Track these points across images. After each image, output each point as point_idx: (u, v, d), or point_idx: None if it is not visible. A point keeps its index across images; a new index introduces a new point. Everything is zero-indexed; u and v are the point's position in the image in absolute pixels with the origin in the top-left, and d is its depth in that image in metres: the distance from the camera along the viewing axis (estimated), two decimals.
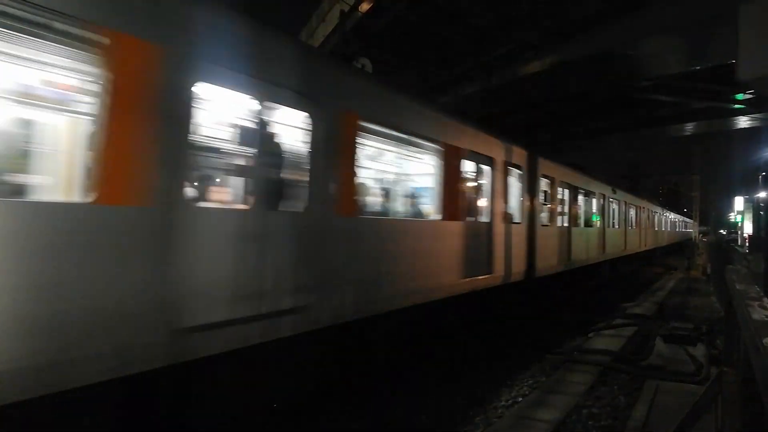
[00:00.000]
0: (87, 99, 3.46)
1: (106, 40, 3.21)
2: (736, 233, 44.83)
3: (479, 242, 8.38)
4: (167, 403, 3.99)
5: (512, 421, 5.20)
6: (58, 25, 3.05)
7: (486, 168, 8.74)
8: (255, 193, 4.37)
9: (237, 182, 4.66)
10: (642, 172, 57.01)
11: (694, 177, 48.76)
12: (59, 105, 3.66)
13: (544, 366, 7.57)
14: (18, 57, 3.33)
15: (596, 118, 29.15)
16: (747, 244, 32.13)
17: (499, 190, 9.12)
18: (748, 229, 37.84)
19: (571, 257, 13.21)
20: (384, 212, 7.01)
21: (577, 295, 14.39)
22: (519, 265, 10.07)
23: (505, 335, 9.38)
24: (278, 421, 5.04)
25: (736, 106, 23.53)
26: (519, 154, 10.09)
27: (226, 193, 4.63)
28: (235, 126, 4.64)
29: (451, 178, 7.40)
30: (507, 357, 8.06)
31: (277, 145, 4.78)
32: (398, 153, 7.46)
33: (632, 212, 22.94)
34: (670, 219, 42.96)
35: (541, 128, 30.18)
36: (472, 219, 8.29)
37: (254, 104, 4.40)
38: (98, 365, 3.19)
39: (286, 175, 4.83)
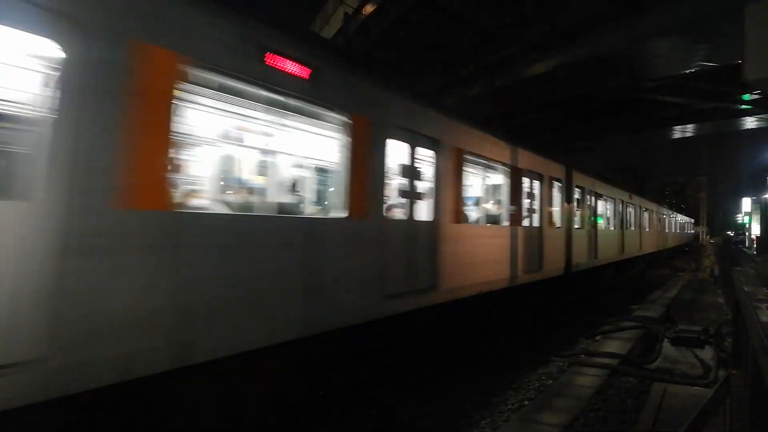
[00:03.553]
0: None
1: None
2: (744, 235, 44.48)
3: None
4: (164, 405, 4.00)
5: (519, 424, 5.18)
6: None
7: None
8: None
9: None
10: (648, 173, 56.78)
11: (701, 178, 48.54)
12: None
13: (551, 369, 7.53)
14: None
15: (601, 119, 29.09)
16: (755, 246, 31.87)
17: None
18: (755, 230, 37.55)
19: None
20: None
21: (582, 298, 14.33)
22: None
23: (512, 337, 9.35)
24: (283, 422, 5.05)
25: (743, 106, 23.41)
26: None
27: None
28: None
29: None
30: (513, 359, 8.03)
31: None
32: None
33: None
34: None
35: (546, 129, 30.14)
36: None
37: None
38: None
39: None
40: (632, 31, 16.03)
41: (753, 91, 20.11)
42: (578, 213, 13.64)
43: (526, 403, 6.00)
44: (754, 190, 40.28)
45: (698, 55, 16.76)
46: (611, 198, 17.33)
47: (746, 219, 43.55)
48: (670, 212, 38.42)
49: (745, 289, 4.65)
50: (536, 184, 10.71)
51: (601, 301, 14.33)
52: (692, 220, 53.75)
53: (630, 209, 20.44)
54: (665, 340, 8.71)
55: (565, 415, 5.38)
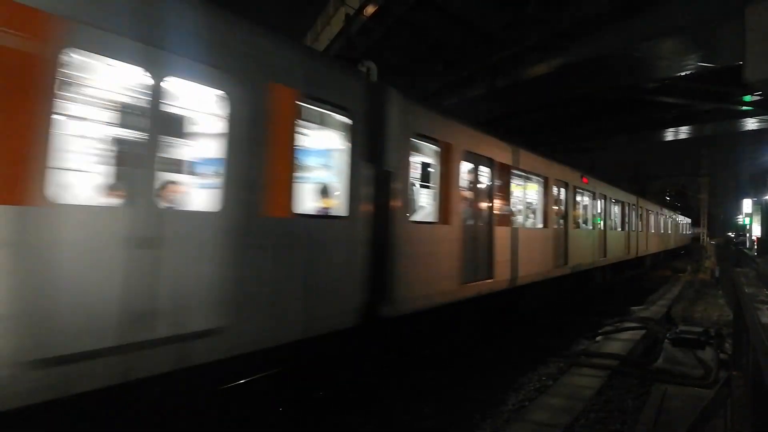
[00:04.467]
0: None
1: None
2: (744, 236, 44.49)
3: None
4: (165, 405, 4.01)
5: (519, 425, 5.18)
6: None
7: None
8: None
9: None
10: (649, 173, 56.77)
11: (702, 179, 48.53)
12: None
13: (552, 369, 7.54)
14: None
15: (602, 120, 29.10)
16: (755, 247, 31.86)
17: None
18: (756, 231, 37.54)
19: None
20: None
21: (584, 299, 14.32)
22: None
23: (512, 338, 9.35)
24: (283, 422, 5.05)
25: (744, 107, 23.40)
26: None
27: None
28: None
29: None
30: (514, 360, 8.03)
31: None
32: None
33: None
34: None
35: (547, 130, 30.16)
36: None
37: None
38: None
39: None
40: (632, 32, 16.04)
41: (754, 93, 20.10)
42: (433, 192, 7.43)
43: (527, 403, 6.00)
44: (754, 191, 40.26)
45: (698, 56, 16.76)
46: (539, 177, 11.10)
47: (747, 220, 43.52)
48: (660, 209, 31.14)
49: (746, 290, 4.66)
50: (214, 109, 4.36)
51: (601, 302, 14.31)
52: (689, 220, 53.25)
53: (586, 199, 14.70)
54: (666, 340, 8.71)
55: (566, 415, 5.39)
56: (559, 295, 12.86)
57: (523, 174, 10.28)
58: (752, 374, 3.36)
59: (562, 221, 12.27)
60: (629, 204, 20.09)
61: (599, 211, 15.70)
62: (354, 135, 5.66)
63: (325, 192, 5.68)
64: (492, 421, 5.60)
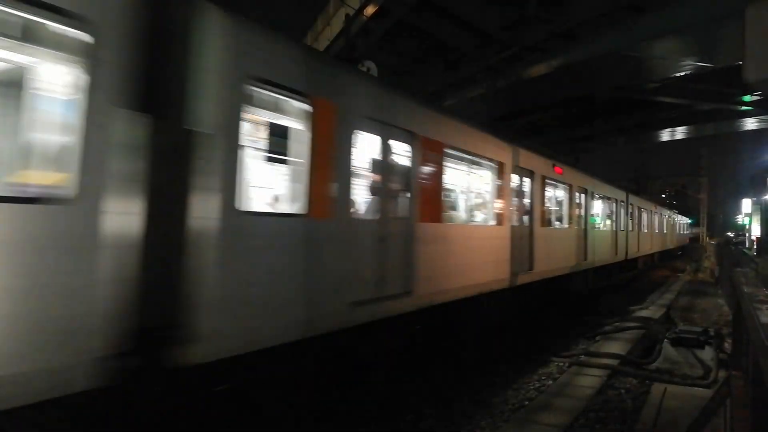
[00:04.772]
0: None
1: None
2: (744, 236, 44.56)
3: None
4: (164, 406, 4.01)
5: (519, 424, 5.18)
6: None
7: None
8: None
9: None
10: (649, 173, 56.84)
11: (702, 179, 48.59)
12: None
13: (551, 369, 7.54)
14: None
15: (602, 120, 29.13)
16: (755, 247, 31.90)
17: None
18: (756, 231, 37.59)
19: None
20: None
21: (584, 299, 14.33)
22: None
23: (512, 338, 9.35)
24: (284, 422, 5.05)
25: (744, 107, 23.44)
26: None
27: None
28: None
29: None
30: (514, 360, 8.04)
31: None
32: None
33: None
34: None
35: (547, 130, 30.21)
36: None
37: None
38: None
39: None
40: (632, 32, 16.06)
41: (753, 93, 20.14)
42: (300, 171, 4.93)
43: (527, 403, 6.01)
44: (754, 191, 40.30)
45: (698, 56, 16.79)
46: (491, 162, 8.75)
47: (746, 220, 43.56)
48: (655, 207, 27.78)
49: (746, 290, 4.66)
50: None
51: (601, 302, 14.32)
52: (687, 220, 53.00)
53: (560, 193, 12.52)
54: (665, 340, 8.72)
55: (566, 415, 5.39)
56: (530, 308, 10.74)
57: (467, 157, 8.04)
58: (752, 374, 3.36)
59: (526, 218, 10.10)
60: (617, 200, 17.90)
61: (579, 207, 13.53)
62: (100, 64, 3.28)
63: (21, 156, 3.44)
64: (492, 421, 5.61)
